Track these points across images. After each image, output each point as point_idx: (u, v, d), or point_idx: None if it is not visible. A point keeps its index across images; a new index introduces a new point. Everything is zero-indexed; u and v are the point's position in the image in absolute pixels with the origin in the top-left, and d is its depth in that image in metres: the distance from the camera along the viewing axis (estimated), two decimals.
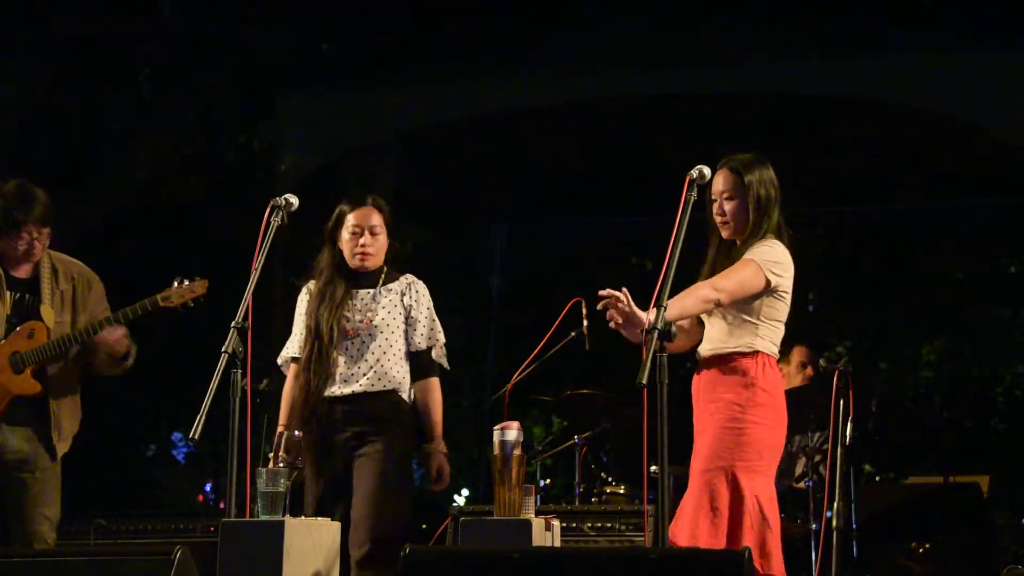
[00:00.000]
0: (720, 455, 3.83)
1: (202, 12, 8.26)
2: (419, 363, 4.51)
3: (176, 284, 4.46)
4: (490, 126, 8.58)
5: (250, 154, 9.29)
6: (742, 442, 3.84)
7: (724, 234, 3.99)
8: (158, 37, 8.30)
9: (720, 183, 3.97)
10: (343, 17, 8.12)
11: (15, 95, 7.83)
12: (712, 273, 3.95)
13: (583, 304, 5.12)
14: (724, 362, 3.92)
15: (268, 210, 3.89)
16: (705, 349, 3.98)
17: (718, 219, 3.98)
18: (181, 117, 8.62)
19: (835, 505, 4.73)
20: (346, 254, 4.51)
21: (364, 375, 4.40)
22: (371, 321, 4.44)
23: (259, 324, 3.70)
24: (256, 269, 3.76)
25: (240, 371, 3.61)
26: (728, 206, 3.96)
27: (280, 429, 4.34)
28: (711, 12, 7.47)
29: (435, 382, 4.53)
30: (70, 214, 7.19)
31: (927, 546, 7.04)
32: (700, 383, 3.98)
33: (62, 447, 4.54)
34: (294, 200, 3.95)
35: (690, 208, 3.62)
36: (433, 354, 4.53)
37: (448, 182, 9.20)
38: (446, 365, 4.58)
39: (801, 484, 6.26)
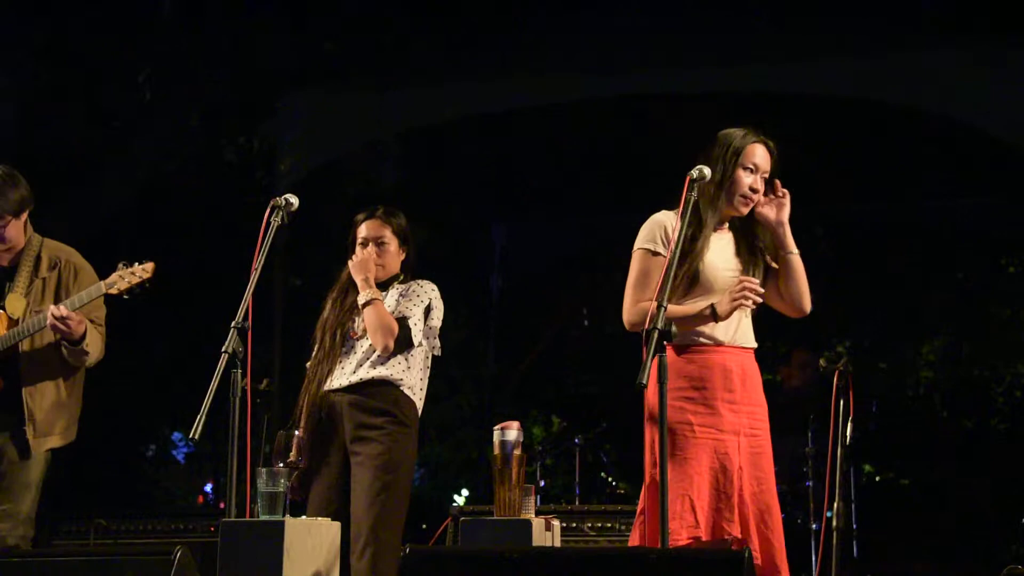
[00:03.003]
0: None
1: (202, 12, 8.26)
2: None
3: (120, 268, 4.30)
4: (490, 126, 8.59)
5: (250, 154, 9.29)
6: None
7: (743, 211, 3.80)
8: (158, 37, 8.30)
9: (767, 160, 3.80)
10: (343, 17, 8.13)
11: (15, 95, 7.83)
12: (747, 256, 3.81)
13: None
14: (752, 360, 3.83)
15: (268, 210, 3.89)
16: (742, 337, 3.80)
17: (752, 195, 3.78)
18: (181, 117, 8.62)
19: (835, 505, 4.73)
20: None
21: (361, 366, 4.41)
22: None
23: (259, 324, 3.70)
24: (256, 269, 3.75)
25: (240, 371, 3.61)
26: (761, 186, 3.80)
27: (299, 428, 4.34)
28: (711, 12, 7.48)
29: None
30: (70, 214, 7.21)
31: (927, 546, 7.05)
32: (734, 372, 3.75)
33: (41, 443, 4.38)
34: (294, 200, 3.95)
35: (691, 208, 3.60)
36: (403, 324, 4.41)
37: (448, 182, 9.21)
38: (415, 340, 4.40)
39: (801, 484, 6.28)
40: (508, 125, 8.56)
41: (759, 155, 3.79)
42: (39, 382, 4.41)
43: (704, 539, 3.55)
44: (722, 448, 3.67)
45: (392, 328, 4.35)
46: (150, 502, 9.58)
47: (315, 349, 4.55)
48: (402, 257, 4.59)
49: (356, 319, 4.48)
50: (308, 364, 4.60)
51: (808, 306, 3.85)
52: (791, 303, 3.85)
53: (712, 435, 3.67)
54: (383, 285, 4.54)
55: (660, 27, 7.57)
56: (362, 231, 4.55)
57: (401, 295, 4.50)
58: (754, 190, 3.78)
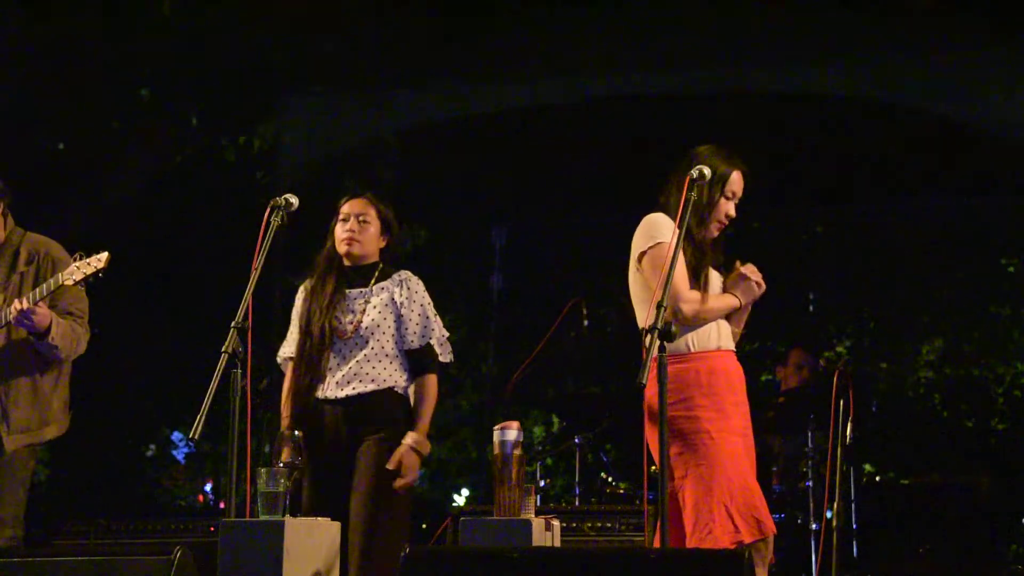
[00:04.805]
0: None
1: (202, 12, 8.25)
2: (414, 360, 4.44)
3: (76, 258, 4.28)
4: (490, 126, 8.58)
5: (250, 154, 9.29)
6: None
7: (716, 235, 3.93)
8: (158, 37, 8.29)
9: (742, 187, 3.93)
10: (343, 17, 8.12)
11: (15, 95, 7.83)
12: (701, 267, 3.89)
13: (583, 303, 5.11)
14: (737, 361, 3.91)
15: (268, 210, 3.88)
16: (727, 340, 3.90)
17: (725, 220, 3.92)
18: (181, 117, 8.62)
19: (835, 505, 4.73)
20: (336, 243, 4.48)
21: (357, 377, 4.35)
22: (361, 323, 4.39)
23: (259, 324, 3.70)
24: (256, 269, 3.75)
25: (240, 371, 3.61)
26: (734, 212, 3.94)
27: (283, 429, 4.31)
28: (710, 13, 7.47)
29: (431, 379, 4.43)
30: (70, 213, 7.21)
31: (927, 546, 7.05)
32: (734, 375, 3.87)
33: (15, 440, 4.32)
34: (294, 200, 3.95)
35: (690, 208, 3.60)
36: (429, 350, 4.44)
37: (448, 182, 9.20)
38: (445, 359, 4.47)
39: (801, 484, 6.28)
40: (508, 125, 8.55)
41: (739, 183, 3.91)
42: (13, 378, 4.37)
43: (747, 541, 3.57)
44: (739, 449, 3.71)
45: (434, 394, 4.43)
46: (150, 502, 9.59)
47: (297, 344, 4.44)
48: (382, 244, 4.52)
49: (343, 316, 4.40)
50: (281, 356, 4.52)
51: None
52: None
53: (728, 439, 3.71)
54: (363, 272, 4.47)
55: (660, 27, 7.57)
56: (345, 208, 4.47)
57: (398, 309, 4.43)
58: (729, 217, 3.90)
